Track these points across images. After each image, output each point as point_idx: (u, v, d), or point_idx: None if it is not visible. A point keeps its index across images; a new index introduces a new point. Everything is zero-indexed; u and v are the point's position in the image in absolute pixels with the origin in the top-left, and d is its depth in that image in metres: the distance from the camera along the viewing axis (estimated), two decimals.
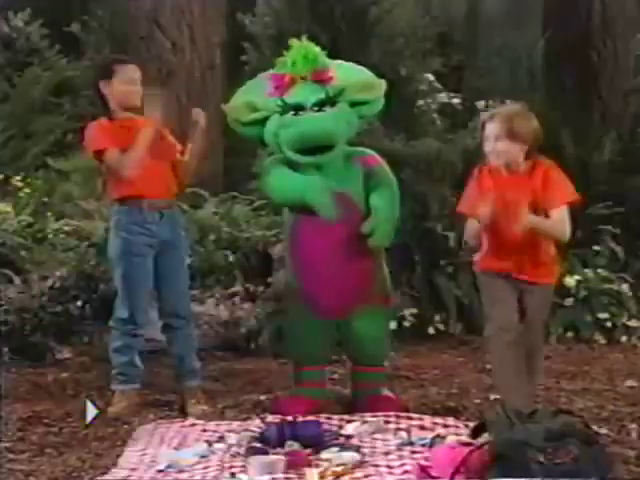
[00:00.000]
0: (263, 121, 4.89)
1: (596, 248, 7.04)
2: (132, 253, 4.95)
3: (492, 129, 4.51)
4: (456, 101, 9.33)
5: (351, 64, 5.08)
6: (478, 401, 5.19)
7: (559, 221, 4.51)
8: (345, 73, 4.99)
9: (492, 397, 5.23)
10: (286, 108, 4.84)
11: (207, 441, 4.40)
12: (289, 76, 4.88)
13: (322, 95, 4.84)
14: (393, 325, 6.16)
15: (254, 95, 4.96)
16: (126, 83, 4.94)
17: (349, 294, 4.85)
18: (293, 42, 4.94)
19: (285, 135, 4.81)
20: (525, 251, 4.56)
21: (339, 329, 4.94)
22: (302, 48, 4.92)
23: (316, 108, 4.81)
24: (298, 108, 4.83)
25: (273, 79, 4.93)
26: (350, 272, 4.81)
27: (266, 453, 4.16)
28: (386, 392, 4.99)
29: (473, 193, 4.59)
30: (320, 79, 4.89)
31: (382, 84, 4.96)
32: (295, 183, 4.78)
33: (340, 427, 4.55)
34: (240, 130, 4.99)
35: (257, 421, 4.61)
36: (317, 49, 4.94)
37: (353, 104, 4.88)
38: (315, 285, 4.84)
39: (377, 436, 4.44)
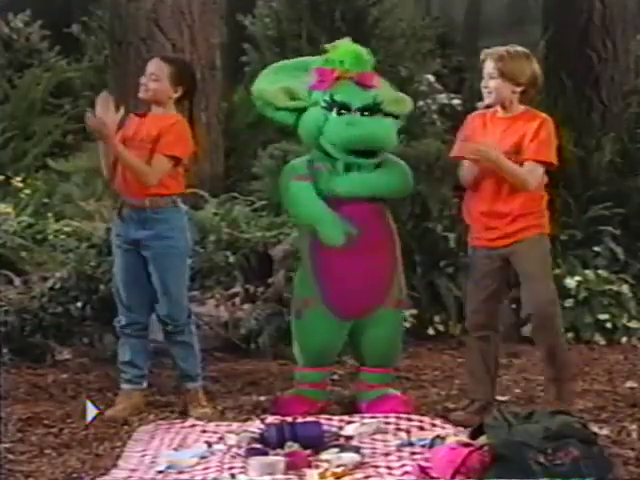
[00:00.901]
0: (299, 110, 4.90)
1: (596, 249, 7.03)
2: (114, 244, 5.03)
3: (487, 67, 4.62)
4: (456, 102, 9.32)
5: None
6: None
7: (527, 172, 4.57)
8: (381, 84, 5.03)
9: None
10: (332, 105, 4.86)
11: (207, 442, 4.40)
12: (337, 73, 4.89)
13: (369, 100, 4.86)
14: None
15: (290, 82, 4.95)
16: (145, 76, 4.95)
17: (369, 295, 4.86)
18: (341, 41, 4.95)
19: (341, 134, 4.80)
20: (503, 194, 4.59)
21: (353, 330, 4.94)
22: (353, 48, 4.94)
23: (359, 112, 4.84)
24: (343, 107, 4.85)
25: (318, 72, 4.92)
26: (370, 273, 4.83)
27: (266, 454, 4.15)
28: (393, 392, 5.00)
29: (461, 137, 4.71)
30: (364, 83, 4.90)
31: (409, 101, 5.03)
32: (313, 212, 4.81)
33: (340, 428, 4.55)
34: (270, 114, 4.97)
35: (257, 422, 4.61)
36: (368, 53, 4.96)
37: (386, 115, 4.91)
38: (336, 286, 4.84)
39: (377, 437, 4.44)
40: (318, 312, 4.88)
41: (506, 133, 4.62)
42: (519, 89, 4.60)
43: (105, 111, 4.81)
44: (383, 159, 4.91)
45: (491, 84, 4.60)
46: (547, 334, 4.70)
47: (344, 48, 4.94)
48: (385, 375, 5.01)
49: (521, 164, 4.59)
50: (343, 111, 4.85)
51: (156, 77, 4.91)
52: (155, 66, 4.95)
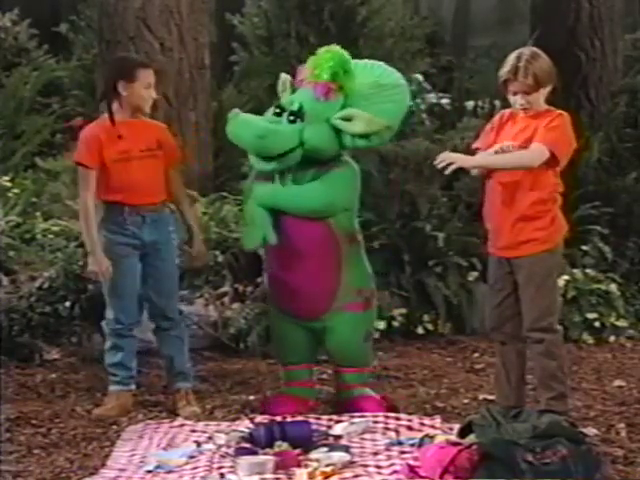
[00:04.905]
0: None
1: (584, 248, 7.03)
2: (113, 252, 4.94)
3: (519, 87, 4.52)
4: (445, 101, 9.32)
5: (376, 71, 4.91)
6: (467, 401, 5.20)
7: (528, 152, 4.50)
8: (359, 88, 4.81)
9: (481, 397, 5.25)
10: (278, 106, 4.85)
11: (196, 441, 4.41)
12: (302, 75, 4.86)
13: (295, 107, 4.77)
14: (382, 325, 6.16)
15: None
16: (146, 88, 4.95)
17: (310, 298, 4.84)
18: (327, 47, 4.84)
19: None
20: (512, 192, 4.54)
21: (317, 330, 4.94)
22: (322, 57, 4.78)
23: (291, 116, 4.76)
24: (281, 109, 4.82)
25: (298, 71, 4.91)
26: (312, 276, 4.81)
27: (255, 453, 4.16)
28: (368, 393, 4.96)
29: (483, 132, 4.70)
30: (315, 93, 4.76)
31: (369, 123, 4.71)
32: (245, 213, 5.01)
33: (329, 427, 4.55)
34: None
35: (246, 421, 4.61)
36: (339, 59, 4.76)
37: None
38: (281, 287, 4.90)
39: (366, 436, 4.45)
40: (277, 311, 4.96)
41: (523, 131, 4.56)
42: (549, 88, 4.58)
43: None
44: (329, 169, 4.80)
45: (530, 99, 4.51)
46: (541, 359, 4.60)
47: (319, 54, 4.80)
48: (359, 375, 4.97)
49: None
50: (278, 111, 4.82)
51: (152, 87, 5.00)
52: (152, 77, 5.01)
